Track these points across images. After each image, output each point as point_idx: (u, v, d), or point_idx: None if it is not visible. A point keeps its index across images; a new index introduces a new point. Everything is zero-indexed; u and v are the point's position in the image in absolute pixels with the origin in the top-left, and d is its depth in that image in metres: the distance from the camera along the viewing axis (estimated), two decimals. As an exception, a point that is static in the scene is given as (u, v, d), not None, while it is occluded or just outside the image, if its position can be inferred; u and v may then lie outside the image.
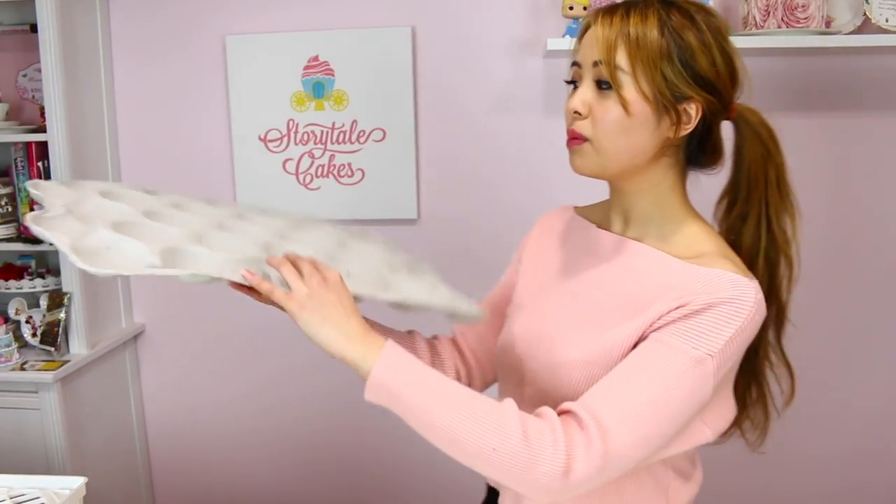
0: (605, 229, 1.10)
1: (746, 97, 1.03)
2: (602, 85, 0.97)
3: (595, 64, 0.97)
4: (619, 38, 0.95)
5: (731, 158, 1.06)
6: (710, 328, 0.91)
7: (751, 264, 1.03)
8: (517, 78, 2.20)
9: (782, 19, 1.97)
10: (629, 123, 0.96)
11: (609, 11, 0.99)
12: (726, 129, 1.05)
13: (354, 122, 2.25)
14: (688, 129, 0.98)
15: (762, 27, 1.97)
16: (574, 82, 1.02)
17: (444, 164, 2.26)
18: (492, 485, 1.19)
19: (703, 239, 1.01)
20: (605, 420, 0.88)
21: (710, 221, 1.08)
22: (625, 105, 0.95)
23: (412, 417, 0.90)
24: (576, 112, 0.99)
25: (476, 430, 0.87)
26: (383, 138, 2.25)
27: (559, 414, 0.91)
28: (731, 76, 0.99)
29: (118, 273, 0.95)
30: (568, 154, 1.02)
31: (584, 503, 1.00)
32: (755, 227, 1.04)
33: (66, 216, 1.04)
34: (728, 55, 0.98)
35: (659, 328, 0.93)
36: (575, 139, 1.00)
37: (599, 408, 0.89)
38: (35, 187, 1.14)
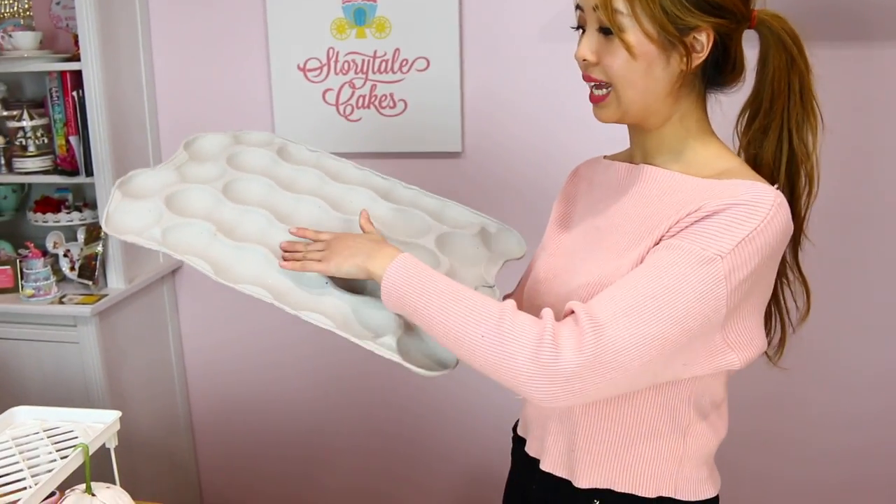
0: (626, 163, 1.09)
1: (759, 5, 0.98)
2: (604, 30, 0.95)
3: (595, 8, 0.94)
4: None
5: (753, 70, 1.02)
6: (721, 229, 0.87)
7: (770, 179, 1.01)
8: (569, 4, 2.06)
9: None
10: (638, 66, 0.94)
11: None
12: (750, 38, 0.98)
13: (397, 50, 2.17)
14: (701, 57, 0.95)
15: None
16: (581, 27, 1.00)
17: (490, 94, 2.16)
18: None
19: (722, 157, 1.00)
20: (600, 314, 0.87)
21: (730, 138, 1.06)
22: (629, 49, 0.92)
23: (418, 316, 0.96)
24: (584, 60, 0.97)
25: (468, 319, 0.90)
26: (427, 67, 2.17)
27: (564, 317, 0.91)
28: None
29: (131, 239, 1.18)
30: (593, 107, 1.02)
31: (598, 418, 1.02)
32: (776, 139, 1.01)
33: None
34: None
35: (671, 236, 0.92)
36: (599, 94, 0.99)
37: (597, 304, 0.89)
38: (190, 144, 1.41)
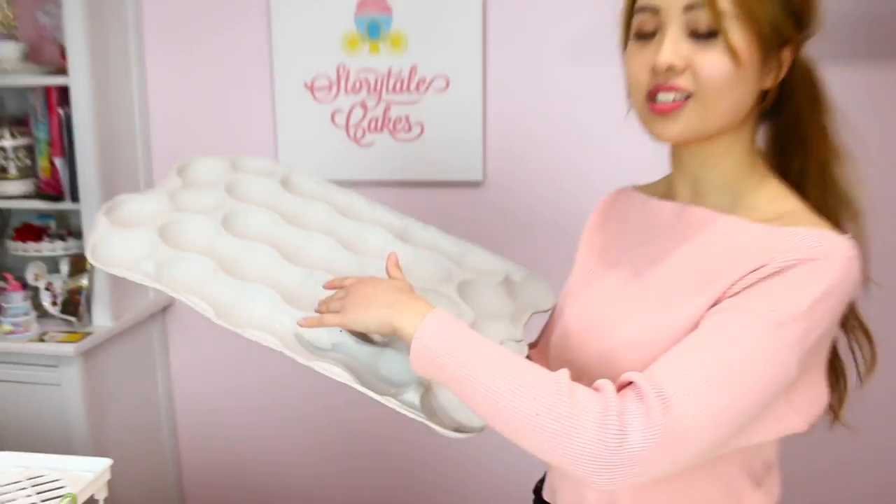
0: (669, 199, 1.04)
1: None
2: (700, 33, 0.88)
3: (689, 8, 0.88)
4: None
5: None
6: (793, 288, 0.84)
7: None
8: (602, 20, 1.95)
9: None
10: (738, 75, 0.88)
11: None
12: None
13: (414, 67, 2.08)
14: (781, 77, 0.92)
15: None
16: (647, 34, 0.92)
17: (515, 118, 2.10)
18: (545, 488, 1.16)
19: (784, 199, 0.95)
20: (667, 389, 0.81)
21: None
22: (735, 54, 0.87)
23: (456, 385, 0.90)
24: (669, 68, 0.89)
25: (519, 394, 0.84)
26: (446, 87, 2.08)
27: (619, 388, 0.86)
28: (815, 11, 0.92)
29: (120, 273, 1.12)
30: (651, 122, 0.92)
31: (644, 490, 0.96)
32: (819, 182, 0.97)
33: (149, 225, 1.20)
34: None
35: (734, 294, 0.87)
36: (671, 103, 0.90)
37: (662, 376, 0.83)
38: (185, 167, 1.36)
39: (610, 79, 1.92)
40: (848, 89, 1.06)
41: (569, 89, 2.05)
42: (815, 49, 0.96)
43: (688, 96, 0.89)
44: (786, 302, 0.83)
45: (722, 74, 0.88)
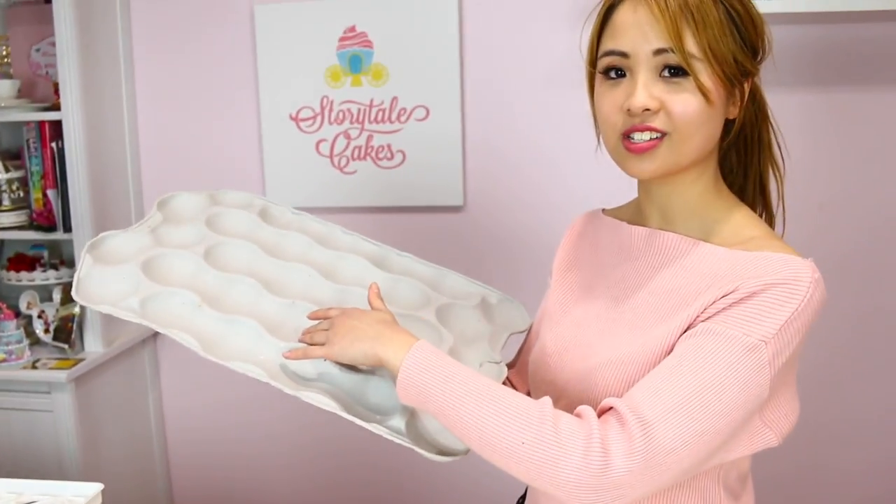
0: (639, 225, 1.04)
1: (768, 64, 0.98)
2: (669, 73, 0.90)
3: (658, 52, 0.89)
4: (682, 17, 0.88)
5: None
6: (763, 312, 0.85)
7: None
8: (576, 50, 2.00)
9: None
10: (709, 112, 0.90)
11: None
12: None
13: (395, 99, 2.11)
14: (741, 106, 0.95)
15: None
16: (618, 71, 0.93)
17: (493, 145, 2.12)
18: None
19: (749, 224, 0.97)
20: (647, 413, 0.83)
21: None
22: (706, 94, 0.89)
23: (443, 416, 0.90)
24: (646, 109, 0.90)
25: (505, 423, 0.85)
26: (426, 117, 2.11)
27: (599, 414, 0.87)
28: (768, 43, 0.96)
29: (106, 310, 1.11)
30: (626, 160, 0.94)
31: None
32: (754, 187, 1.05)
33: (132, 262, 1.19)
34: (761, 19, 0.94)
35: (707, 318, 0.89)
36: (646, 143, 0.91)
37: (641, 401, 0.85)
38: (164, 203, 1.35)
39: (583, 104, 1.99)
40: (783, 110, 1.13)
41: (544, 116, 2.06)
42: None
43: (663, 135, 0.91)
44: (757, 325, 0.85)
45: (694, 113, 0.89)
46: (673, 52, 0.88)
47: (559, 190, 2.09)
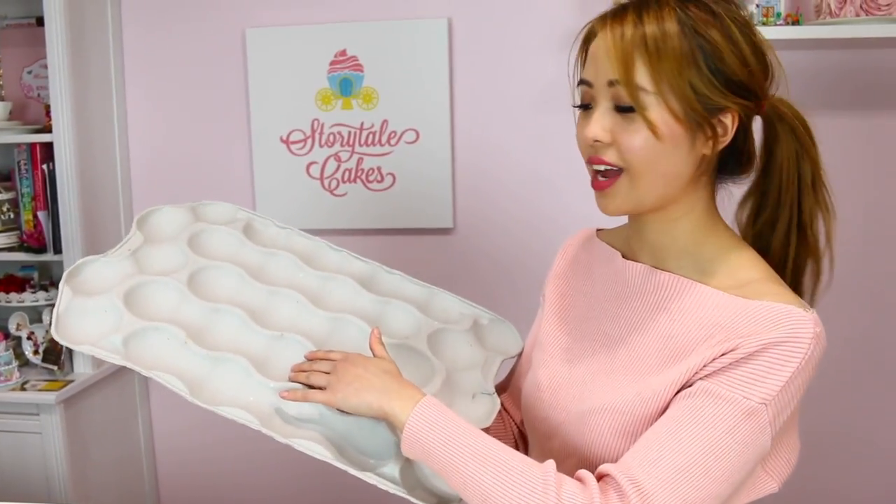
0: (632, 259, 1.01)
1: (783, 91, 0.94)
2: (622, 108, 0.87)
3: (610, 84, 0.87)
4: (636, 49, 0.85)
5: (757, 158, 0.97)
6: (763, 373, 0.83)
7: (777, 269, 0.95)
8: (563, 75, 2.02)
9: (861, 7, 1.80)
10: (661, 148, 0.87)
11: (618, 16, 0.88)
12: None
13: (385, 122, 2.13)
14: (725, 141, 0.90)
15: (837, 16, 1.80)
16: (586, 105, 0.92)
17: (483, 167, 2.13)
18: None
19: (746, 265, 0.93)
20: (646, 485, 0.81)
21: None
22: (653, 129, 0.86)
23: (446, 475, 0.89)
24: (596, 141, 0.89)
25: (509, 488, 0.84)
26: (416, 140, 2.12)
27: (598, 478, 0.86)
28: (765, 73, 0.91)
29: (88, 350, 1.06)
30: (595, 196, 0.93)
31: None
32: (785, 233, 0.96)
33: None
34: (759, 49, 0.89)
35: (705, 377, 0.86)
36: (605, 180, 0.91)
37: (640, 471, 0.83)
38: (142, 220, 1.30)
39: (571, 128, 2.02)
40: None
41: (532, 139, 2.08)
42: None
43: (620, 170, 0.89)
44: (757, 388, 0.83)
45: (644, 148, 0.86)
46: (621, 83, 0.86)
47: (548, 212, 2.10)
